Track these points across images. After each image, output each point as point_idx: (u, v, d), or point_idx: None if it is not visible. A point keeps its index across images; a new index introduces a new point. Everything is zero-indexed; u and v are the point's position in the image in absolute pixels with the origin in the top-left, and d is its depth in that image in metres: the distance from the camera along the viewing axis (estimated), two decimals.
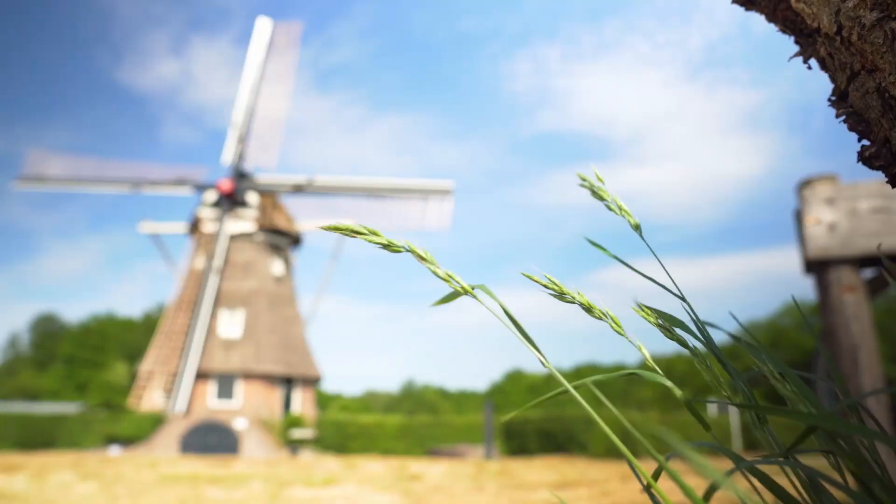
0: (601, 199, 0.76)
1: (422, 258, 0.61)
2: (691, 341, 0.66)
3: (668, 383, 0.61)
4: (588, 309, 0.65)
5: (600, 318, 0.65)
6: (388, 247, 0.60)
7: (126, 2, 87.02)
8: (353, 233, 0.60)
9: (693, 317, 0.66)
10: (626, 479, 9.93)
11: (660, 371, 0.63)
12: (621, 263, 0.72)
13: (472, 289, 0.60)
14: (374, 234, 0.61)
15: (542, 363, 0.59)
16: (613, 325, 0.65)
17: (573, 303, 0.65)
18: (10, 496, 7.75)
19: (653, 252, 0.71)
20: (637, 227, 0.74)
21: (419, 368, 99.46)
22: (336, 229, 0.59)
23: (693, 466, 0.37)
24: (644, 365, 0.67)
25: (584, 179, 0.78)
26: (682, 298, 0.68)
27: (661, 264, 0.70)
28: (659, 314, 0.67)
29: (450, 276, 0.60)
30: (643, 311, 0.67)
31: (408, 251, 0.61)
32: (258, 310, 25.80)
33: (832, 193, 5.15)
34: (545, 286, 0.65)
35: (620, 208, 0.76)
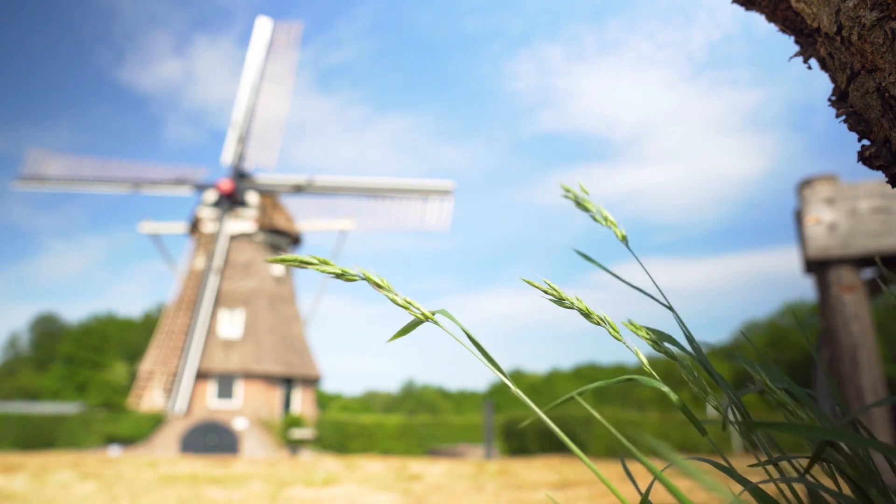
0: (586, 209, 0.76)
1: (378, 286, 0.59)
2: (680, 351, 0.66)
3: (665, 388, 0.62)
4: (587, 314, 0.66)
5: (598, 324, 0.66)
6: (342, 276, 0.58)
7: (128, 2, 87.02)
8: (304, 263, 0.57)
9: (682, 328, 0.67)
10: (626, 479, 9.89)
11: (656, 375, 0.64)
12: (609, 273, 0.72)
13: (433, 314, 0.58)
14: (326, 263, 0.58)
15: (510, 387, 0.58)
16: (611, 330, 0.66)
17: (572, 308, 0.65)
18: (10, 496, 7.75)
19: (639, 261, 0.72)
20: (624, 239, 0.74)
21: (419, 368, 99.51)
22: (283, 261, 0.57)
23: (700, 484, 0.37)
24: (642, 368, 0.67)
25: (567, 190, 0.77)
26: (670, 308, 0.69)
27: (647, 272, 0.71)
28: (648, 330, 0.68)
29: (409, 303, 0.59)
30: (633, 326, 0.68)
31: (363, 279, 0.58)
32: (258, 310, 25.80)
33: (832, 193, 5.14)
34: (545, 292, 0.65)
35: (606, 219, 0.75)
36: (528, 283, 0.64)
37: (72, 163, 25.96)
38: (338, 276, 0.58)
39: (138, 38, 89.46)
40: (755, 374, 0.62)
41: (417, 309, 0.59)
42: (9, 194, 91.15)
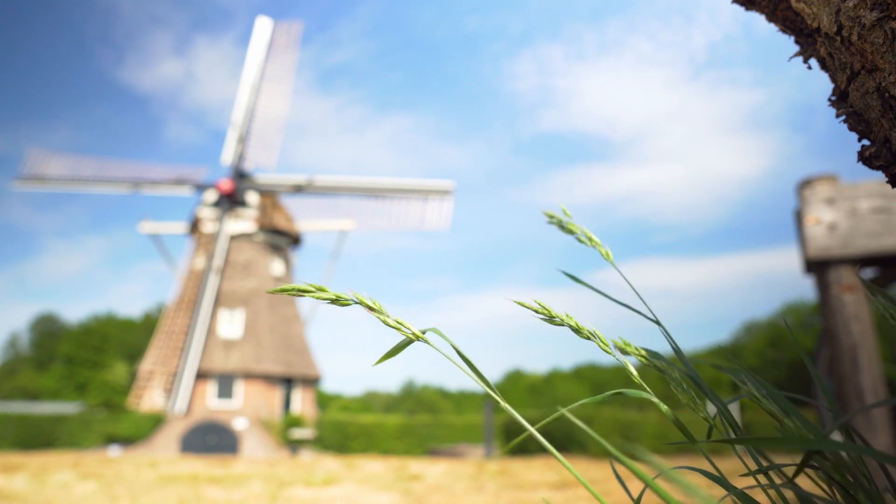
0: (570, 232, 0.77)
1: (371, 308, 0.59)
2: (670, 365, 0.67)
3: (654, 399, 0.62)
4: (577, 330, 0.66)
5: (588, 339, 0.66)
6: (336, 301, 0.58)
7: (128, 2, 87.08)
8: (301, 292, 0.58)
9: (669, 341, 0.68)
10: (626, 479, 9.90)
11: (647, 387, 0.64)
12: (592, 290, 0.73)
13: (424, 333, 0.59)
14: (322, 290, 0.58)
15: (500, 403, 0.59)
16: (601, 344, 0.66)
17: (562, 325, 0.66)
18: (10, 496, 7.75)
19: (622, 275, 0.73)
20: (608, 257, 0.75)
21: (419, 368, 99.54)
22: (283, 291, 0.57)
23: (682, 490, 0.37)
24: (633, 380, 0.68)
25: (551, 217, 0.78)
26: (657, 322, 0.70)
27: (631, 286, 0.71)
28: (638, 348, 0.69)
29: (400, 324, 0.60)
30: (623, 343, 0.68)
31: (357, 303, 0.59)
32: (258, 310, 25.79)
33: (832, 193, 5.14)
34: (535, 311, 0.65)
35: (591, 240, 0.76)
36: (520, 304, 0.65)
37: (72, 163, 25.96)
38: (332, 301, 0.59)
39: (138, 39, 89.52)
40: (742, 385, 0.63)
41: (408, 329, 0.59)
42: (9, 194, 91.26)
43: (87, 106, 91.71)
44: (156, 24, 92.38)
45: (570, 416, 0.54)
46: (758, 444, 0.51)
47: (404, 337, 0.60)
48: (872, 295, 0.70)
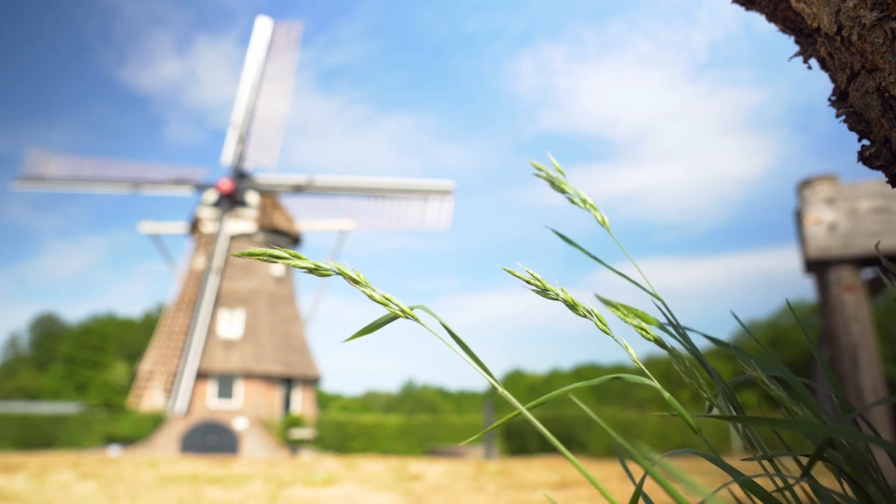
0: (562, 191, 0.71)
1: (355, 281, 0.56)
2: (670, 342, 0.65)
3: (655, 384, 0.60)
4: (572, 306, 0.62)
5: (585, 316, 0.63)
6: (315, 270, 0.55)
7: (129, 2, 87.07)
8: (274, 258, 0.55)
9: (670, 318, 0.65)
10: (626, 479, 9.89)
11: (646, 370, 0.62)
12: (593, 258, 0.70)
13: (412, 309, 0.56)
14: (298, 257, 0.55)
15: (494, 385, 0.56)
16: (598, 323, 0.63)
17: (556, 299, 0.62)
18: (10, 496, 7.74)
19: (620, 246, 0.69)
20: (604, 223, 0.71)
21: (419, 368, 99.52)
22: (251, 255, 0.55)
23: (682, 484, 0.37)
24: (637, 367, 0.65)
25: (539, 169, 0.71)
26: (657, 297, 0.66)
27: (632, 260, 0.68)
28: (634, 312, 0.66)
29: (387, 300, 0.57)
30: (622, 312, 0.65)
31: (338, 274, 0.56)
32: (258, 310, 25.79)
33: (832, 193, 5.14)
34: (528, 282, 0.61)
35: (585, 202, 0.71)
36: (510, 272, 0.61)
37: (72, 163, 25.96)
38: (311, 270, 0.56)
39: (139, 38, 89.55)
40: (751, 369, 0.61)
41: (396, 305, 0.57)
42: (9, 194, 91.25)
43: (88, 106, 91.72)
44: (156, 24, 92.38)
45: (577, 401, 0.53)
46: (766, 425, 0.50)
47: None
48: (890, 280, 0.68)
